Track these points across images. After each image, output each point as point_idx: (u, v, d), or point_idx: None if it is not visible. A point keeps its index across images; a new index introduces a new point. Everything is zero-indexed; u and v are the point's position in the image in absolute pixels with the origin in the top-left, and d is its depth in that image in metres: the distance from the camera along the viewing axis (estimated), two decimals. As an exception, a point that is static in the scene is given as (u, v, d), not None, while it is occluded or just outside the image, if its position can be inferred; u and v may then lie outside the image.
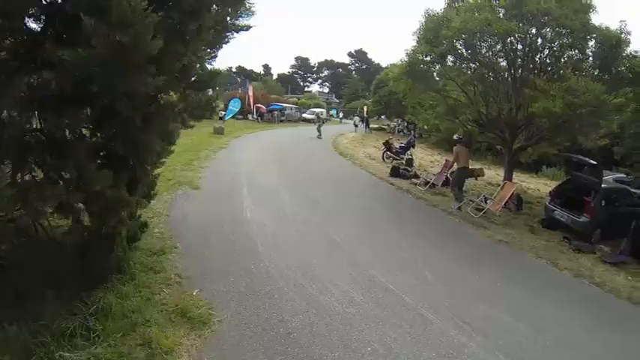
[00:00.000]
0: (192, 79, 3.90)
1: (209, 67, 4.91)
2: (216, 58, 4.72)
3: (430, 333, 4.67)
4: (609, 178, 18.08)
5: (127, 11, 2.46)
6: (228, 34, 4.24)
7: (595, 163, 11.16)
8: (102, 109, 3.15)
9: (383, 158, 19.25)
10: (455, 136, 13.59)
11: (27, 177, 3.66)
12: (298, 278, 5.57)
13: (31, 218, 3.59)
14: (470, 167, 12.40)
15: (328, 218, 8.72)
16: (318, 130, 27.24)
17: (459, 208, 11.34)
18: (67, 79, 2.63)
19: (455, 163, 12.42)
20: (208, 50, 4.41)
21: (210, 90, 4.78)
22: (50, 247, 4.65)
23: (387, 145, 19.44)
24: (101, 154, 3.84)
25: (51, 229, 4.87)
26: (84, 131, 3.72)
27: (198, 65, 4.07)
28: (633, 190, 14.37)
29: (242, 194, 9.58)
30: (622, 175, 19.20)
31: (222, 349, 3.91)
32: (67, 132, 3.29)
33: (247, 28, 4.42)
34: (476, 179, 14.26)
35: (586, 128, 12.54)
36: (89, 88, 2.79)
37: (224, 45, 4.65)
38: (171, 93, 3.91)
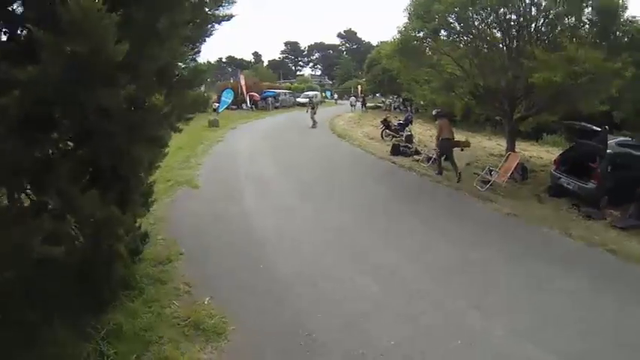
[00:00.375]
0: (175, 78, 3.58)
1: (194, 63, 4.65)
2: (200, 53, 4.42)
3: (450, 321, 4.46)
4: (613, 142, 17.79)
5: (79, 16, 2.09)
6: (209, 26, 3.94)
7: (599, 128, 10.92)
8: (80, 124, 2.86)
9: (382, 137, 18.95)
10: (433, 112, 14.62)
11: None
12: (311, 274, 5.36)
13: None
14: (455, 139, 12.62)
15: (332, 206, 8.50)
16: (312, 119, 23.38)
17: (458, 178, 11.60)
18: (27, 100, 2.31)
19: (439, 136, 12.48)
20: (191, 46, 4.12)
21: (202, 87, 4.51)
22: (50, 270, 4.43)
23: (386, 123, 19.15)
24: (89, 170, 3.57)
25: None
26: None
27: (181, 63, 3.79)
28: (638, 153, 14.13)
29: (242, 188, 9.38)
30: (625, 138, 18.85)
31: (239, 360, 3.71)
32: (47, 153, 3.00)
33: (229, 17, 4.10)
34: (462, 150, 14.21)
35: (586, 95, 12.28)
36: (53, 107, 2.49)
37: (207, 38, 4.36)
38: (157, 96, 3.62)
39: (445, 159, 13.16)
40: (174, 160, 11.81)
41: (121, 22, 2.27)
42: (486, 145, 20.15)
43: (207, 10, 3.63)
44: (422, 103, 31.39)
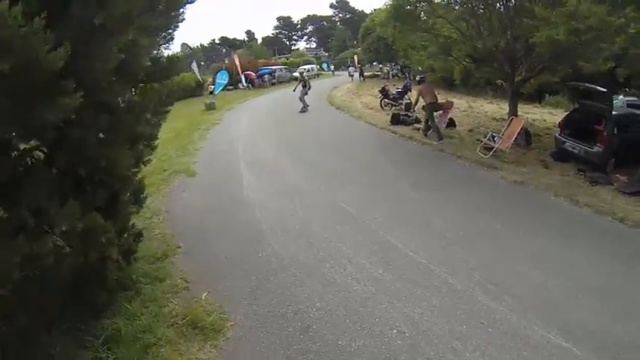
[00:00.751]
0: (143, 73, 3.31)
1: (167, 52, 4.38)
2: (173, 41, 4.13)
3: (458, 301, 4.26)
4: (618, 102, 17.35)
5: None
6: (178, 11, 3.64)
7: (604, 89, 10.51)
8: (41, 139, 2.62)
9: (381, 106, 18.55)
10: (417, 77, 16.83)
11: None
12: (310, 260, 5.16)
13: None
14: (438, 102, 13.07)
15: (333, 183, 8.22)
16: (302, 100, 18.88)
17: (440, 137, 11.94)
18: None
19: (423, 100, 12.88)
20: (163, 35, 3.85)
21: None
22: (42, 280, 4.30)
23: (384, 92, 18.70)
24: (68, 180, 3.37)
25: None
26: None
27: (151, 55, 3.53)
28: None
29: (240, 172, 9.09)
30: (633, 98, 18.40)
31: (238, 358, 3.58)
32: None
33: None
34: (409, 103, 15.30)
35: (589, 54, 11.81)
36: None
37: (179, 24, 4.06)
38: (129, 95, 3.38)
39: (448, 125, 13.67)
40: (171, 148, 11.65)
41: (54, 26, 1.99)
42: (488, 109, 19.66)
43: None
44: (420, 69, 30.91)
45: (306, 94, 18.89)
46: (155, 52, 3.93)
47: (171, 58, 3.83)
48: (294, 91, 19.31)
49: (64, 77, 2.19)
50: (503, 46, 12.81)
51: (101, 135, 3.20)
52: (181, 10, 3.72)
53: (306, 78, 19.92)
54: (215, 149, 11.65)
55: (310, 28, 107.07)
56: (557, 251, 5.46)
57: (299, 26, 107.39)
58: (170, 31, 3.98)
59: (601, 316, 4.04)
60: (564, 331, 3.76)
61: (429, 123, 12.65)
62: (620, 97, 15.55)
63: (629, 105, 17.29)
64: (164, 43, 3.97)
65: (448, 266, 4.89)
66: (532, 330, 3.79)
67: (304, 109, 18.69)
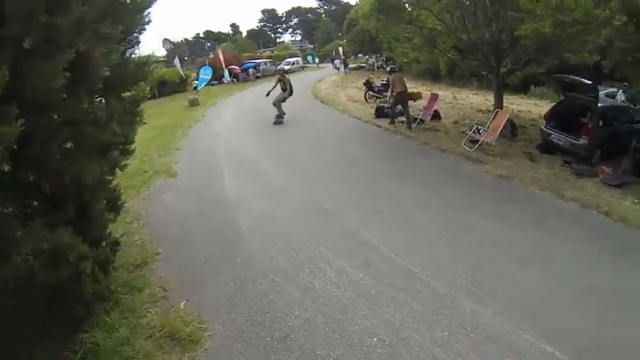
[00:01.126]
0: (101, 82, 3.14)
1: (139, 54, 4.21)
2: (139, 44, 3.96)
3: (441, 306, 4.20)
4: (602, 93, 17.41)
5: None
6: (142, 14, 3.48)
7: (589, 82, 10.51)
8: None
9: (366, 99, 18.48)
10: (388, 68, 17.23)
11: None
12: (290, 265, 5.06)
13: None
14: (407, 91, 13.60)
15: (315, 181, 8.19)
16: (278, 107, 14.19)
17: (409, 126, 12.80)
18: None
19: (393, 90, 13.34)
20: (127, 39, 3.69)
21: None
22: (18, 296, 4.16)
23: (368, 85, 18.67)
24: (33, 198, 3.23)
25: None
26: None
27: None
28: (628, 103, 13.83)
29: (222, 172, 8.93)
30: (614, 89, 18.49)
31: (216, 371, 3.50)
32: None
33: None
34: (414, 101, 15.28)
35: (575, 46, 11.79)
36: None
37: (146, 26, 3.90)
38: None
39: (433, 118, 13.88)
40: (153, 147, 11.45)
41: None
42: (473, 100, 19.67)
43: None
44: (405, 60, 30.83)
45: (284, 100, 14.26)
46: (128, 55, 3.78)
47: (138, 62, 3.67)
48: (267, 95, 14.16)
49: (5, 102, 2.05)
50: (488, 38, 12.77)
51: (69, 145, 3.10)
52: (146, 11, 3.56)
53: (287, 78, 14.50)
54: (197, 148, 11.44)
55: (295, 20, 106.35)
56: (542, 250, 5.44)
57: (284, 19, 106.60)
58: (136, 34, 3.82)
59: (586, 318, 4.02)
60: (549, 334, 3.73)
61: (393, 108, 13.45)
62: (620, 91, 15.56)
63: (607, 95, 17.48)
64: (129, 48, 3.80)
65: (431, 268, 4.82)
66: (516, 334, 3.76)
67: (279, 118, 14.14)
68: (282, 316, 4.06)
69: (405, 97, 13.18)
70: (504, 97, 16.89)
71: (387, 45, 21.37)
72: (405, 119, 13.20)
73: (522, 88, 23.99)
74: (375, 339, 3.70)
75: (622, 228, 6.37)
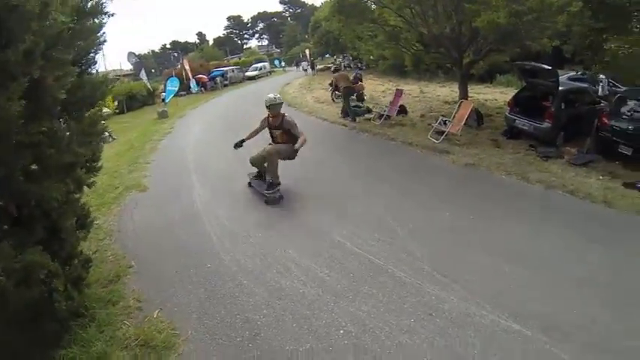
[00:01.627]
0: (59, 103, 3.27)
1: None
2: (96, 65, 4.08)
3: (406, 295, 4.43)
4: (564, 77, 18.15)
5: None
6: (97, 34, 3.61)
7: (549, 67, 10.98)
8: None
9: (332, 99, 18.72)
10: (332, 67, 19.90)
11: None
12: (257, 267, 5.25)
13: None
14: (352, 85, 14.89)
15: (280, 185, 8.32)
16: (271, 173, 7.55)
17: (354, 119, 13.90)
18: None
19: (338, 86, 15.08)
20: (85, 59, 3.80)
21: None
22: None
23: (334, 85, 18.90)
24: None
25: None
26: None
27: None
28: (589, 86, 14.44)
29: (191, 183, 8.99)
30: (574, 72, 19.23)
31: (191, 374, 3.65)
32: None
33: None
34: (361, 94, 16.31)
35: (533, 33, 12.23)
36: None
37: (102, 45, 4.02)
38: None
39: (399, 113, 14.31)
40: (123, 162, 11.43)
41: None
42: (440, 93, 20.13)
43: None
44: (372, 58, 31.32)
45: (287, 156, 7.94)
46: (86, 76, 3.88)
47: (95, 82, 3.79)
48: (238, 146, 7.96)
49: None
50: (449, 31, 13.17)
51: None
52: (101, 31, 3.69)
53: (290, 122, 7.59)
54: (166, 161, 11.44)
55: (261, 25, 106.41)
56: (508, 233, 5.74)
57: (250, 24, 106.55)
58: (92, 54, 3.94)
59: (552, 296, 4.31)
60: (515, 314, 4.00)
61: (345, 106, 14.48)
62: (601, 76, 16.04)
63: (571, 79, 18.17)
64: (86, 68, 3.90)
65: (396, 259, 5.08)
66: (481, 316, 4.01)
67: (271, 192, 7.43)
68: (252, 317, 4.23)
69: (351, 92, 14.45)
70: (471, 87, 17.38)
71: (350, 44, 21.79)
72: (371, 116, 13.65)
73: (488, 78, 24.64)
74: (341, 331, 3.92)
75: (588, 204, 6.75)
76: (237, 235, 6.21)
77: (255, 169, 8.16)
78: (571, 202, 6.91)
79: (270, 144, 7.64)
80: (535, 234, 5.68)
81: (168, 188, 8.90)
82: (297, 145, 7.09)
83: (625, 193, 7.14)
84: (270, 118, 7.58)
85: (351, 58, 39.13)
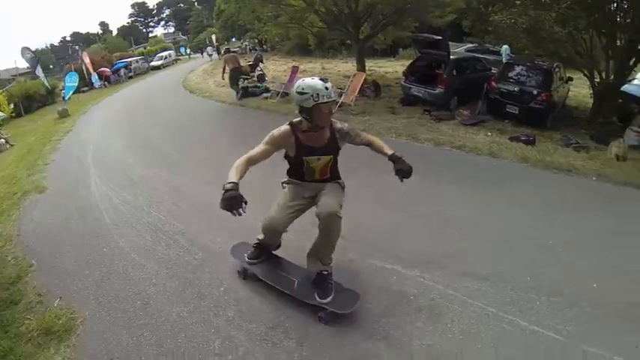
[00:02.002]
0: None
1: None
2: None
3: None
4: (462, 49, 19.61)
5: None
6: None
7: (440, 37, 11.94)
8: None
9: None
10: (222, 50, 19.51)
11: None
12: (148, 243, 5.56)
13: None
14: (240, 66, 15.49)
15: (172, 169, 8.61)
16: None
17: (239, 98, 14.51)
18: None
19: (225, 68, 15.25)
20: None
21: None
22: None
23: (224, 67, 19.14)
24: None
25: None
26: None
27: None
28: (482, 56, 15.78)
29: (89, 177, 8.88)
30: (472, 45, 20.83)
31: (89, 349, 3.91)
32: None
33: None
34: (248, 75, 16.76)
35: (430, 8, 13.08)
36: None
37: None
38: None
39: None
40: (22, 167, 10.89)
41: None
42: (341, 68, 20.87)
43: None
44: (277, 39, 31.44)
45: None
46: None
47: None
48: None
49: None
50: (347, 9, 13.75)
51: None
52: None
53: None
54: (66, 160, 11.00)
55: (167, 11, 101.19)
56: (391, 189, 6.02)
57: (155, 11, 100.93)
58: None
59: (421, 238, 5.04)
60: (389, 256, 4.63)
61: (232, 87, 15.12)
62: (505, 46, 17.30)
63: (468, 50, 19.70)
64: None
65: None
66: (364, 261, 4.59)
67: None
68: (143, 288, 4.57)
69: (240, 72, 15.03)
70: (374, 61, 18.25)
71: (250, 26, 21.78)
72: (269, 95, 14.08)
73: (391, 52, 25.91)
74: (222, 288, 4.39)
75: (474, 156, 7.56)
76: (132, 218, 6.44)
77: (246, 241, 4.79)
78: (458, 155, 7.70)
79: (290, 184, 3.97)
80: (419, 184, 6.31)
81: (68, 185, 8.72)
82: (390, 152, 4.05)
83: (509, 146, 8.19)
84: (304, 133, 3.68)
85: (256, 40, 38.81)
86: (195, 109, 15.18)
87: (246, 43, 41.63)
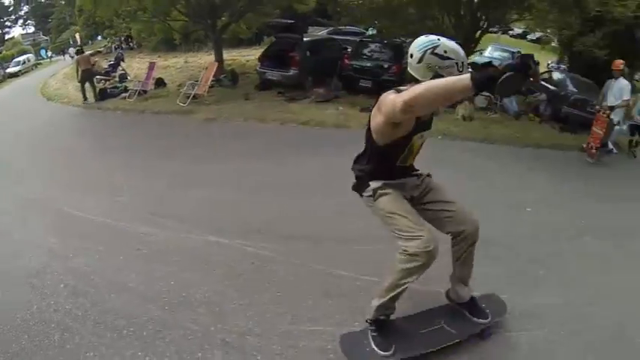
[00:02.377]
0: None
1: None
2: None
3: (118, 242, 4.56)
4: (325, 32, 20.37)
5: None
6: None
7: (292, 21, 12.37)
8: None
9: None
10: (73, 52, 18.40)
11: None
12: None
13: None
14: (89, 68, 13.97)
15: (24, 180, 7.58)
16: None
17: (96, 100, 13.43)
18: None
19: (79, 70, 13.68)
20: None
21: None
22: None
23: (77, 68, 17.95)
24: None
25: None
26: None
27: None
28: (345, 37, 16.51)
29: None
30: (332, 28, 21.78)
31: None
32: None
33: None
34: (101, 74, 16.20)
35: None
36: None
37: None
38: None
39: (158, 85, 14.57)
40: None
41: None
42: (205, 60, 20.47)
43: None
44: (143, 36, 29.92)
45: None
46: None
47: None
48: None
49: None
50: (204, 1, 13.72)
51: None
52: None
53: None
54: None
55: (25, 9, 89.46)
56: (237, 169, 6.39)
57: (12, 8, 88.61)
58: None
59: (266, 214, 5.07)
60: (215, 231, 4.57)
61: (82, 87, 13.83)
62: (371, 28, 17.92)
63: (330, 33, 20.55)
64: None
65: (118, 214, 5.21)
66: (190, 238, 4.51)
67: None
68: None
69: (92, 74, 13.91)
70: (238, 50, 18.22)
71: (109, 22, 20.63)
72: (127, 94, 13.55)
73: (257, 41, 26.18)
74: (62, 285, 3.85)
75: (318, 130, 8.06)
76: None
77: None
78: (302, 131, 8.16)
79: (388, 187, 2.60)
80: (262, 161, 6.70)
81: None
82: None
83: (357, 117, 8.76)
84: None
85: (122, 38, 36.28)
86: (53, 115, 13.58)
87: (111, 41, 38.49)
